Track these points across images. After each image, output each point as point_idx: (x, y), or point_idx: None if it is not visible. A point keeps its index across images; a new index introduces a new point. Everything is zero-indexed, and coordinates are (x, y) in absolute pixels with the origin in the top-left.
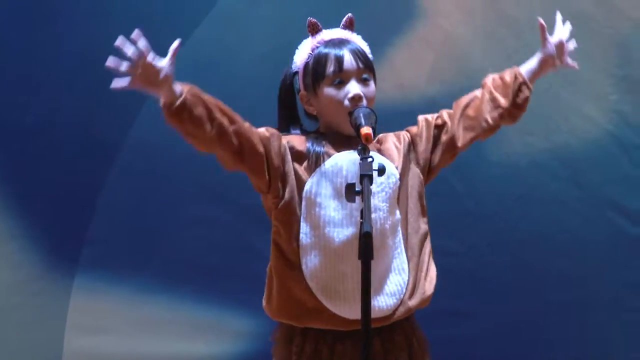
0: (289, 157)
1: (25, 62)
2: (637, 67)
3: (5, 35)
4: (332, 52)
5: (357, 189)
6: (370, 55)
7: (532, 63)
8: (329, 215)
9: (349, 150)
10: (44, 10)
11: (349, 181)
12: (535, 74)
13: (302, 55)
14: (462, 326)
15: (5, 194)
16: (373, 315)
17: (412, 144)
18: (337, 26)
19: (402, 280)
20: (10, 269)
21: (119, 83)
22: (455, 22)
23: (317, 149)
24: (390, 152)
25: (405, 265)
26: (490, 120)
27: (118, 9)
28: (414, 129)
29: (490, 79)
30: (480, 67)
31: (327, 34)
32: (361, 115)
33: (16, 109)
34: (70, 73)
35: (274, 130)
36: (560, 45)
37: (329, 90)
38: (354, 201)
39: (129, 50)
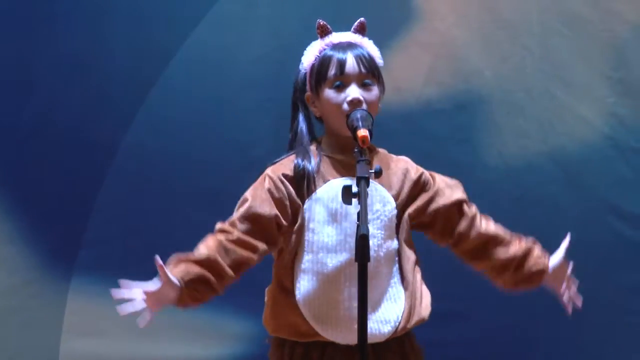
0: (289, 187)
1: (21, 64)
2: (634, 70)
3: (0, 37)
4: (336, 55)
5: (354, 191)
6: (380, 61)
7: (557, 263)
8: (322, 241)
9: (345, 175)
10: (40, 12)
11: (345, 206)
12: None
13: (309, 57)
14: (458, 329)
15: (1, 197)
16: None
17: (427, 188)
18: (335, 29)
19: (398, 309)
20: (7, 272)
21: (143, 322)
22: (452, 25)
23: (308, 167)
24: (391, 178)
25: (402, 294)
26: (486, 265)
27: (115, 11)
28: (441, 182)
29: (532, 248)
30: (476, 70)
31: (336, 37)
32: (357, 117)
33: (12, 112)
34: (67, 76)
35: (255, 188)
36: (568, 282)
37: (329, 93)
38: (350, 203)
39: (130, 295)
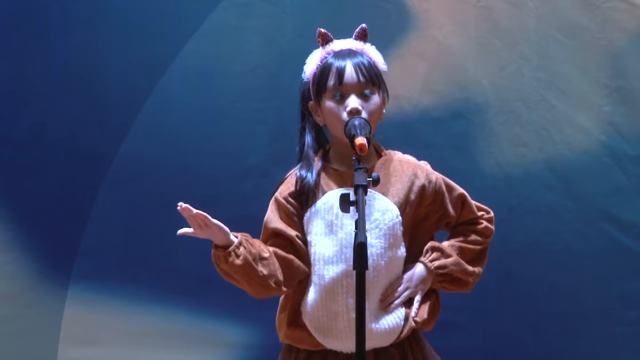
0: (296, 205)
1: (16, 74)
2: (631, 79)
3: None
4: (335, 64)
5: (351, 199)
6: (383, 66)
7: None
8: (320, 253)
9: (343, 186)
10: (35, 22)
11: (340, 218)
12: None
13: (311, 65)
14: (453, 338)
15: (0, 205)
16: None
17: (441, 195)
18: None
19: (398, 317)
20: (5, 280)
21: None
22: (449, 34)
23: (308, 180)
24: (396, 186)
25: (403, 309)
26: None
27: (110, 22)
28: (456, 193)
29: None
30: (473, 78)
31: (337, 45)
32: (355, 125)
33: (8, 122)
34: (63, 86)
35: (269, 217)
36: None
37: (329, 103)
38: (348, 211)
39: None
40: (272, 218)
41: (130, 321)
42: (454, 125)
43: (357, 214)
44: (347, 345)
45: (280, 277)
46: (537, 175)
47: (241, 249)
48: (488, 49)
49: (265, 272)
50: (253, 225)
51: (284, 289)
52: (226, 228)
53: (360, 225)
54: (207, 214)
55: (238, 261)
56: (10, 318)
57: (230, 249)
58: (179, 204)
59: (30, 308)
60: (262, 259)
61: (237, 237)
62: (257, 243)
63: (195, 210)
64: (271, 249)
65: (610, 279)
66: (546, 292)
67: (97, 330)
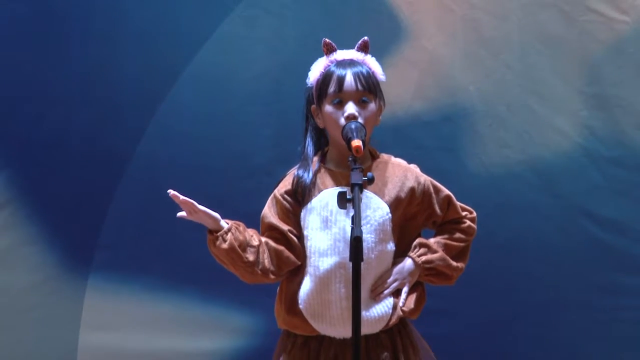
0: (291, 202)
1: (40, 81)
2: (606, 86)
3: (21, 55)
4: (337, 72)
5: (348, 197)
6: (381, 77)
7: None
8: (315, 246)
9: (338, 185)
10: (57, 33)
11: (335, 214)
12: None
13: (314, 72)
14: (441, 324)
15: (26, 202)
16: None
17: (429, 196)
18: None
19: (386, 306)
20: (30, 271)
21: (180, 214)
22: (438, 44)
23: (305, 179)
24: (387, 185)
25: (391, 298)
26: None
27: (125, 34)
28: (442, 195)
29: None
30: (461, 85)
31: (340, 55)
32: (352, 128)
33: (32, 125)
34: (83, 91)
35: (265, 212)
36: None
37: (329, 108)
38: (345, 207)
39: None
40: (268, 213)
41: (145, 309)
42: (443, 128)
43: (352, 210)
44: (340, 331)
45: (268, 265)
46: (520, 175)
47: (229, 235)
48: (474, 58)
49: (251, 258)
50: (257, 219)
51: (272, 276)
52: (216, 214)
53: (356, 220)
54: (216, 209)
55: (224, 245)
56: (36, 306)
57: (219, 233)
58: (169, 190)
59: (53, 296)
60: (250, 246)
61: (227, 224)
62: (250, 232)
63: (182, 197)
64: (264, 239)
65: (587, 270)
66: (528, 283)
67: (115, 317)
